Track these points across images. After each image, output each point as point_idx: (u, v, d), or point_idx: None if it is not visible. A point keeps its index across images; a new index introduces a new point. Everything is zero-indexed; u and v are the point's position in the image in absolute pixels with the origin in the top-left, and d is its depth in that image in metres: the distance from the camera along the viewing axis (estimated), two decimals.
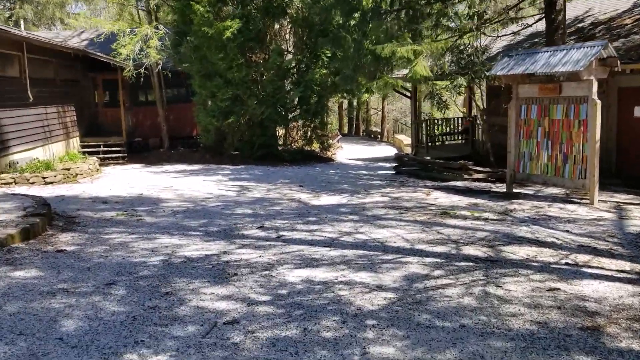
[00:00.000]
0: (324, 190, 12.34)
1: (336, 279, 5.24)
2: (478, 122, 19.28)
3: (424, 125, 19.16)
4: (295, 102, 18.26)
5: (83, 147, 18.93)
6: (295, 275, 5.41)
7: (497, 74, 11.02)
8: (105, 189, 12.67)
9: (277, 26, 18.28)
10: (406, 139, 25.03)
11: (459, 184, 12.72)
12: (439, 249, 6.40)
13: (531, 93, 10.92)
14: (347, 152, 23.13)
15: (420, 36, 11.80)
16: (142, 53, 17.54)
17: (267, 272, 5.54)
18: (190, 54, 17.62)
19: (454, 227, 7.74)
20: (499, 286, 4.91)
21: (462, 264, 5.69)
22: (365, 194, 11.57)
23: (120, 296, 4.87)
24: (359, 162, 19.25)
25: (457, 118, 20.33)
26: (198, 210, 9.87)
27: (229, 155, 18.53)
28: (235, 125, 17.96)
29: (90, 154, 18.76)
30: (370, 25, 11.71)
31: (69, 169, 14.36)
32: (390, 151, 24.15)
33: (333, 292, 4.85)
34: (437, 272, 5.39)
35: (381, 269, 5.56)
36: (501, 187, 11.75)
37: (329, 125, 22.59)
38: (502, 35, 14.90)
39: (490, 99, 16.75)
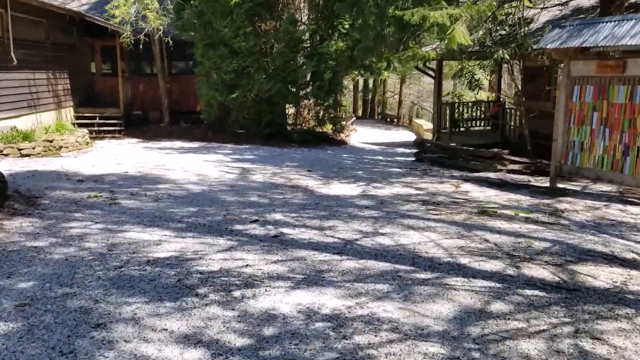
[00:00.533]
0: (336, 176, 10.73)
1: (351, 312, 3.67)
2: (507, 106, 17.53)
3: (447, 108, 17.41)
4: (308, 78, 16.56)
5: (77, 118, 17.40)
6: (290, 302, 3.85)
7: (548, 47, 9.25)
8: (88, 165, 11.14)
9: None
10: (426, 124, 23.26)
11: (491, 175, 11.04)
12: (490, 265, 4.79)
13: (586, 71, 9.15)
14: (361, 136, 21.44)
15: (456, 1, 10.04)
16: (139, 16, 15.89)
17: (251, 292, 3.98)
18: (193, 20, 15.95)
19: (500, 231, 6.12)
20: (598, 338, 3.31)
21: (529, 292, 4.09)
22: (384, 183, 9.95)
23: (19, 331, 3.32)
24: (375, 147, 17.59)
25: (484, 102, 18.54)
26: (187, 196, 8.31)
27: (233, 133, 16.93)
28: (241, 101, 16.33)
29: (85, 125, 17.24)
30: None
31: (51, 141, 12.84)
32: (408, 136, 22.42)
33: (346, 338, 3.28)
34: (496, 306, 3.80)
35: (415, 296, 3.98)
36: (542, 181, 10.06)
37: (343, 106, 20.87)
38: (547, 7, 13.05)
39: (527, 80, 14.96)
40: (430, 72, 18.20)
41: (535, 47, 9.73)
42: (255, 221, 6.60)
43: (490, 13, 9.52)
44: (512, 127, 15.94)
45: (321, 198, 8.37)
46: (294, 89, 16.82)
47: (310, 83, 16.68)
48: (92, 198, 7.93)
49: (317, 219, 6.75)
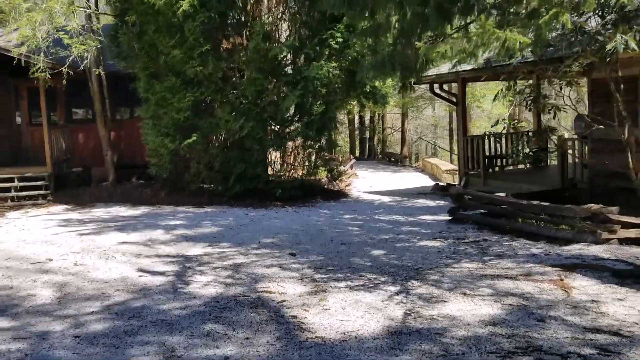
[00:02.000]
0: (338, 268, 6.29)
1: None
2: (553, 136, 13.32)
3: (477, 142, 13.12)
4: (292, 112, 12.32)
5: None
6: None
7: None
8: None
9: None
10: (442, 164, 18.99)
11: (599, 251, 6.61)
12: None
13: None
14: (364, 182, 17.06)
15: None
16: (52, 43, 11.72)
17: None
18: (132, 43, 11.78)
19: None
20: None
21: None
22: (429, 284, 5.50)
23: None
24: (386, 198, 13.17)
25: (523, 133, 14.30)
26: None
27: (193, 191, 12.53)
28: (202, 148, 12.00)
29: (1, 190, 12.94)
30: None
31: None
32: (423, 180, 18.05)
33: None
34: None
35: None
36: None
37: (339, 147, 16.56)
38: None
39: (594, 99, 10.70)
40: (446, 96, 13.99)
41: None
42: None
43: None
44: (576, 165, 11.60)
45: (308, 354, 3.88)
46: (274, 128, 12.55)
47: (296, 119, 12.40)
48: None
49: None
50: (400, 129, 34.77)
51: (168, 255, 7.21)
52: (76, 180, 14.66)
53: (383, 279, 5.82)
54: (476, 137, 13.35)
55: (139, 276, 6.17)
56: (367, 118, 33.91)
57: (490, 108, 23.93)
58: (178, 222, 9.79)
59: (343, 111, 15.11)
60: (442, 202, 11.77)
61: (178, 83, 11.59)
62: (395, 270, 6.18)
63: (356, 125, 32.65)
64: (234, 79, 12.08)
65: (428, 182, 16.91)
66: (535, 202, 8.17)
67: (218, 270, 6.37)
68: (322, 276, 5.97)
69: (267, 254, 7.19)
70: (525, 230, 7.94)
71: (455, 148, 26.03)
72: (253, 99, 11.64)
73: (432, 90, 13.45)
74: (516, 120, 14.29)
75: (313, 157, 13.23)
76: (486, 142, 12.88)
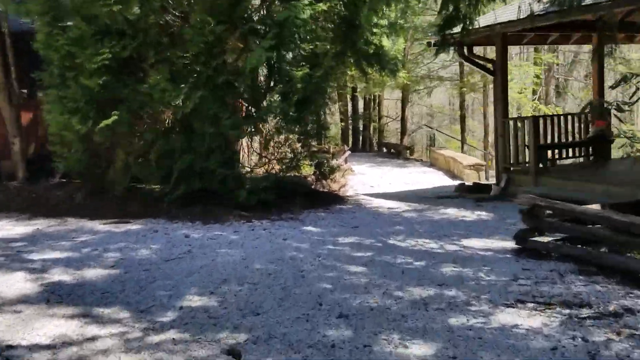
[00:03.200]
0: None
1: None
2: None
3: (521, 126, 9.36)
4: (262, 79, 8.43)
5: None
6: None
7: None
8: None
9: None
10: (462, 157, 15.20)
11: None
12: None
13: None
14: (363, 181, 13.25)
15: None
16: None
17: None
18: None
19: None
20: None
21: None
22: None
23: None
24: (397, 204, 9.31)
25: (572, 114, 10.59)
26: None
27: (120, 194, 8.58)
28: (128, 131, 8.11)
29: None
30: None
31: None
32: (437, 178, 14.29)
33: None
34: None
35: None
36: None
37: (328, 135, 12.73)
38: None
39: None
40: (481, 62, 10.18)
41: None
42: None
43: None
44: None
45: None
46: (240, 103, 8.69)
47: (274, 90, 8.48)
48: None
49: None
50: (399, 117, 31.02)
51: None
52: None
53: None
54: (523, 120, 9.59)
55: None
56: (360, 103, 30.06)
57: (519, 89, 20.09)
58: (64, 255, 5.86)
59: (334, 84, 11.16)
60: (483, 214, 7.97)
61: (89, 32, 7.65)
62: None
63: (349, 113, 28.73)
64: (174, 27, 8.15)
65: (446, 181, 13.15)
66: None
67: None
68: None
69: (178, 351, 3.35)
70: None
71: (467, 137, 22.32)
72: (203, 57, 7.73)
73: (461, 53, 9.60)
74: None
75: (295, 147, 9.39)
76: (532, 126, 9.11)
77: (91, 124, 7.83)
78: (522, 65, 20.13)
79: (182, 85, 7.67)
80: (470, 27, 7.93)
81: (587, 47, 20.44)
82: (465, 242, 6.22)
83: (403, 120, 24.34)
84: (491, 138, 17.86)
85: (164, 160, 8.33)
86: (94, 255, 5.77)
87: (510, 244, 5.85)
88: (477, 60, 10.01)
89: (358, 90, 27.12)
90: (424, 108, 35.70)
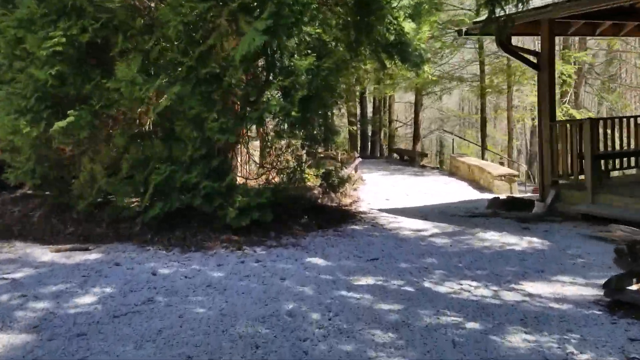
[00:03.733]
0: None
1: None
2: None
3: (574, 131, 7.72)
4: (260, 71, 6.86)
5: None
6: None
7: None
8: None
9: None
10: (490, 166, 13.49)
11: None
12: None
13: None
14: (376, 192, 11.64)
15: None
16: None
17: None
18: None
19: None
20: None
21: None
22: None
23: None
24: (422, 225, 7.66)
25: (632, 117, 8.92)
26: None
27: (85, 211, 6.99)
28: (91, 135, 6.55)
29: None
30: None
31: None
32: (461, 189, 12.66)
33: None
34: None
35: None
36: None
37: (336, 139, 11.05)
38: None
39: None
40: (527, 56, 8.55)
41: None
42: None
43: None
44: None
45: None
46: (232, 101, 7.10)
47: (268, 81, 6.89)
48: None
49: None
50: (409, 121, 29.52)
51: None
52: None
53: None
54: (578, 123, 7.97)
55: None
56: (369, 107, 28.54)
57: None
58: None
59: (346, 81, 9.55)
60: (535, 241, 6.35)
61: (40, 12, 6.11)
62: None
63: (357, 117, 27.13)
64: (149, 8, 6.59)
65: (472, 193, 11.53)
66: None
67: None
68: None
69: None
70: None
71: (488, 143, 20.64)
72: (183, 42, 6.16)
73: (500, 43, 7.97)
74: None
75: (299, 154, 7.81)
76: (591, 129, 7.47)
77: (44, 126, 6.28)
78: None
79: (159, 78, 6.10)
80: (519, 7, 6.32)
81: (618, 45, 18.81)
82: (527, 286, 4.60)
83: (416, 124, 22.69)
84: (517, 144, 16.18)
85: (138, 170, 6.77)
86: (15, 305, 4.19)
87: (590, 291, 4.27)
88: (519, 52, 8.36)
89: (367, 92, 25.62)
90: (435, 112, 34.10)
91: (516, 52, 8.26)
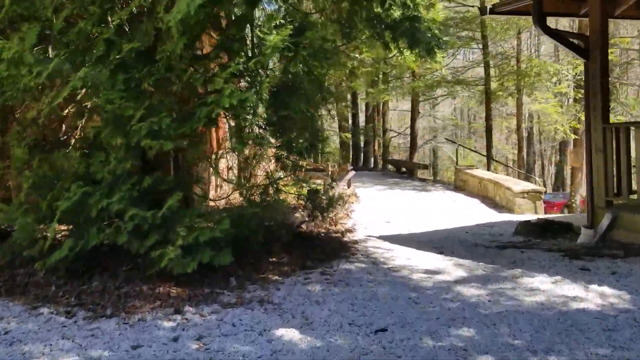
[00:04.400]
0: None
1: None
2: None
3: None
4: (210, 49, 4.93)
5: None
6: None
7: None
8: None
9: None
10: (508, 181, 11.49)
11: None
12: None
13: None
14: (373, 211, 9.69)
15: None
16: None
17: None
18: None
19: None
20: None
21: None
22: None
23: None
24: (442, 265, 5.71)
25: None
26: None
27: None
28: None
29: None
30: None
31: None
32: (473, 207, 10.74)
33: None
34: None
35: None
36: None
37: (326, 149, 8.99)
38: None
39: None
40: (573, 40, 6.66)
41: None
42: None
43: None
44: None
45: None
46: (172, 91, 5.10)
47: (224, 65, 4.92)
48: None
49: None
50: (404, 130, 27.76)
51: None
52: None
53: None
54: (622, 127, 6.08)
55: None
56: (361, 117, 26.75)
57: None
58: None
59: (337, 73, 7.57)
60: (607, 292, 4.41)
61: None
62: None
63: (348, 127, 25.26)
64: None
65: (488, 213, 9.62)
66: None
67: None
68: None
69: None
70: None
71: (494, 154, 18.77)
72: (97, 5, 4.20)
73: (538, 21, 6.06)
74: None
75: (272, 168, 5.84)
76: None
77: None
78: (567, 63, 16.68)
79: (61, 60, 4.13)
80: None
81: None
82: None
83: (413, 133, 20.83)
84: (528, 155, 14.29)
85: (42, 193, 4.77)
86: None
87: None
88: (564, 35, 6.45)
89: (359, 98, 23.84)
90: (428, 121, 32.41)
91: (559, 34, 6.33)
